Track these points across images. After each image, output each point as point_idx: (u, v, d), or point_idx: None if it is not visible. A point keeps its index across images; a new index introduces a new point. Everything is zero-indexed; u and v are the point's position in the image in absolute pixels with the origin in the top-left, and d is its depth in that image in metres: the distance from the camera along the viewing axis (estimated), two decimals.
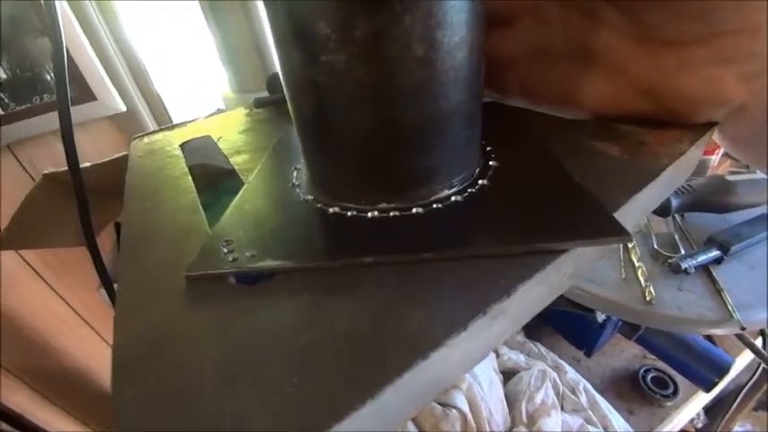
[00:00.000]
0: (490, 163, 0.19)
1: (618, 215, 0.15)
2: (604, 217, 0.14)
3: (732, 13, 0.16)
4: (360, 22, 0.12)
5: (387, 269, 0.14)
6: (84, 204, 0.35)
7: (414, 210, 0.16)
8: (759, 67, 0.17)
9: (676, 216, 0.54)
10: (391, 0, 0.12)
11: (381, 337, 0.11)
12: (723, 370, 0.58)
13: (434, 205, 0.16)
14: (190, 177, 0.23)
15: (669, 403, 0.67)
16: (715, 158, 0.61)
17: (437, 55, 0.13)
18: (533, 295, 0.14)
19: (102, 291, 0.63)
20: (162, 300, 0.14)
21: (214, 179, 0.27)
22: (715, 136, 0.22)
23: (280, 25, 0.14)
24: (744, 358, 0.72)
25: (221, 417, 0.10)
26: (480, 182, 0.17)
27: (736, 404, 0.73)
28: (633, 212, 0.17)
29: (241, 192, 0.19)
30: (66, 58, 0.27)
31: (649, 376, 0.69)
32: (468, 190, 0.17)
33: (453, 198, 0.16)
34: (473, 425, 0.42)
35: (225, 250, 0.15)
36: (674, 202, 0.49)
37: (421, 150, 0.15)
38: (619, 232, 0.14)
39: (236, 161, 0.25)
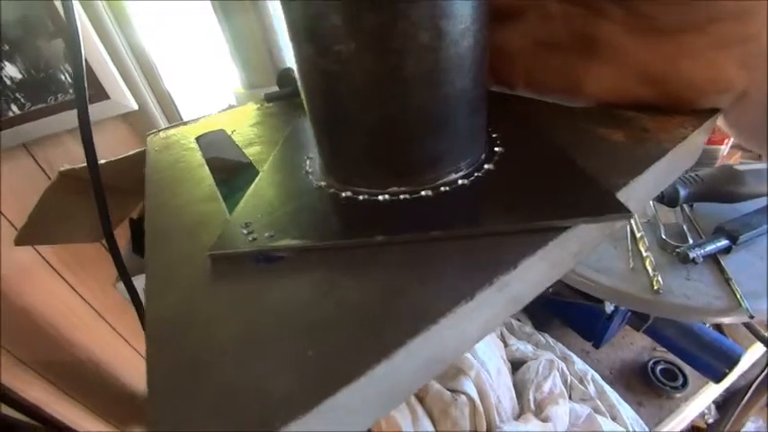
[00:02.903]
0: (496, 149, 0.19)
1: (621, 195, 0.16)
2: (606, 195, 0.15)
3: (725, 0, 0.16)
4: (368, 13, 0.13)
5: (397, 247, 0.15)
6: (102, 200, 0.36)
7: (422, 192, 0.17)
8: (758, 49, 0.17)
9: (685, 206, 0.54)
10: None
11: (394, 307, 0.12)
12: (733, 361, 0.58)
13: (442, 188, 0.17)
14: (206, 168, 0.24)
15: (679, 395, 0.67)
16: (724, 148, 0.60)
17: (442, 43, 0.14)
18: (537, 271, 0.14)
19: (120, 286, 0.64)
20: (187, 280, 0.15)
21: (231, 172, 0.28)
22: (720, 122, 0.22)
23: (293, 18, 0.15)
24: (755, 353, 0.72)
25: (245, 382, 0.11)
26: (486, 166, 0.18)
27: (746, 398, 0.72)
28: (636, 194, 0.18)
29: (257, 180, 0.20)
30: (83, 56, 0.28)
31: (659, 368, 0.69)
32: (475, 174, 0.18)
33: (460, 181, 0.17)
34: (481, 410, 0.43)
35: (244, 231, 0.16)
36: (683, 192, 0.49)
37: (428, 136, 0.16)
38: (620, 209, 0.14)
39: (249, 153, 0.26)
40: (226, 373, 0.11)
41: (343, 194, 0.18)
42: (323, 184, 0.19)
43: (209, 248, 0.16)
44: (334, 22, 0.13)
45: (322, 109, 0.17)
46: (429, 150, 0.16)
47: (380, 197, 0.17)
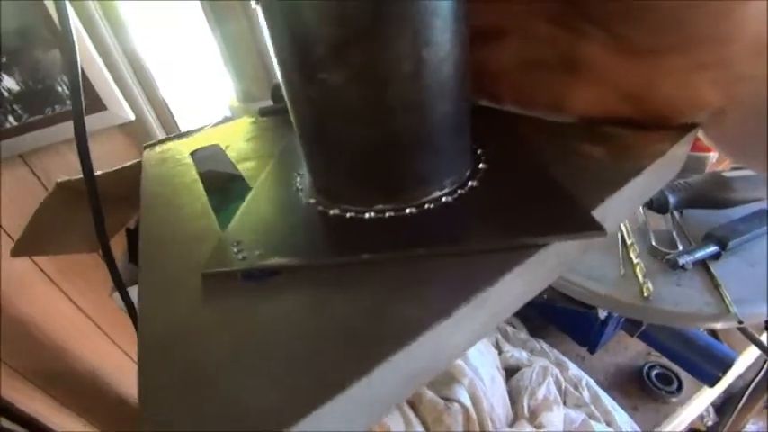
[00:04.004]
0: (480, 165, 0.20)
1: (599, 212, 0.16)
2: (581, 214, 0.15)
3: (703, 24, 0.17)
4: (352, 43, 0.14)
5: (382, 265, 0.15)
6: (99, 212, 0.36)
7: (407, 210, 0.17)
8: (733, 72, 0.18)
9: (674, 213, 0.55)
10: (381, 22, 0.13)
11: (377, 324, 0.13)
12: (726, 365, 0.59)
13: (427, 206, 0.17)
14: (200, 184, 0.25)
15: (674, 399, 0.67)
16: (713, 156, 0.61)
17: (424, 71, 0.15)
18: (516, 286, 0.15)
19: (116, 296, 0.64)
20: (180, 296, 0.16)
21: (222, 184, 0.28)
22: (701, 135, 0.23)
23: (279, 46, 0.15)
24: (749, 355, 0.72)
25: (237, 396, 0.11)
26: (470, 183, 0.19)
27: (744, 400, 0.73)
28: (615, 209, 0.18)
29: (249, 197, 0.21)
30: (79, 64, 0.28)
31: (653, 373, 0.70)
32: (459, 191, 0.18)
33: (444, 199, 0.18)
34: (475, 418, 0.43)
35: (235, 250, 0.17)
36: (672, 200, 0.50)
37: (413, 157, 0.17)
38: (594, 227, 0.15)
39: (243, 168, 0.26)
40: (216, 390, 0.12)
41: (331, 212, 0.18)
42: (312, 201, 0.19)
43: (201, 266, 0.16)
44: (318, 52, 0.14)
45: (309, 131, 0.18)
46: (413, 170, 0.17)
47: (367, 215, 0.17)
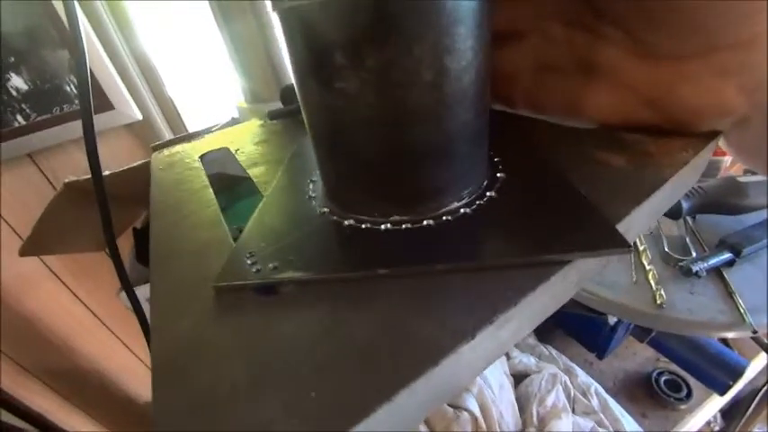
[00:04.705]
0: (498, 174, 0.19)
1: (622, 225, 0.16)
2: (607, 229, 0.15)
3: (727, 29, 0.16)
4: (372, 51, 0.13)
5: (400, 280, 0.15)
6: (106, 212, 0.36)
7: (425, 222, 0.17)
8: (758, 78, 0.17)
9: (687, 218, 0.54)
10: (402, 30, 0.13)
11: (396, 346, 0.12)
12: (737, 373, 0.58)
13: (444, 217, 0.17)
14: (210, 190, 0.24)
15: (683, 406, 0.66)
16: (727, 159, 0.60)
17: (445, 79, 0.14)
18: (538, 304, 0.14)
19: (123, 295, 0.64)
20: (192, 310, 0.15)
21: (231, 186, 0.28)
22: (721, 143, 0.22)
23: (297, 53, 0.15)
24: (760, 361, 0.71)
25: (250, 421, 0.11)
26: (488, 194, 0.18)
27: (752, 408, 0.72)
28: (638, 222, 0.18)
29: (260, 205, 0.20)
30: (88, 61, 0.28)
31: (663, 379, 0.69)
32: (477, 202, 0.18)
33: (462, 210, 0.17)
34: (484, 427, 0.43)
35: (249, 262, 0.16)
36: (685, 205, 0.49)
37: (430, 167, 0.16)
38: (620, 244, 0.14)
39: (254, 173, 0.26)
40: (232, 415, 0.11)
41: (346, 222, 0.18)
42: (326, 210, 0.19)
43: (213, 279, 0.16)
44: (337, 60, 0.14)
45: (325, 139, 0.17)
46: (431, 180, 0.17)
47: (383, 226, 0.17)
